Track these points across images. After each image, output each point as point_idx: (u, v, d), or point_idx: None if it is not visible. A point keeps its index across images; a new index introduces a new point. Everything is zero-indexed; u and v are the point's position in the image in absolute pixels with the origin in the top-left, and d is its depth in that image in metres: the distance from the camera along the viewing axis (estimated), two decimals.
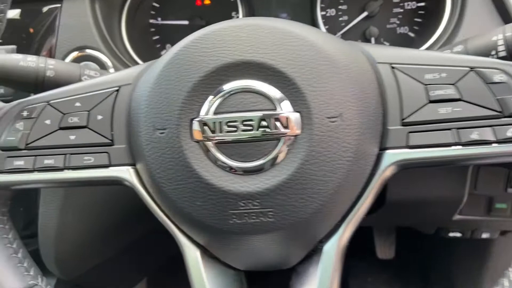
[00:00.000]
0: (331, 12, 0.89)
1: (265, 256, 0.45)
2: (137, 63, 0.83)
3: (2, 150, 0.45)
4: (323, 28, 0.85)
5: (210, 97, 0.40)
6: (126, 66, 0.78)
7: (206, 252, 0.45)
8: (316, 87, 0.39)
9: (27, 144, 0.45)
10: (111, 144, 0.45)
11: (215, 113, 0.40)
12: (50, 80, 0.60)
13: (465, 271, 1.15)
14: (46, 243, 0.77)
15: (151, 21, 0.92)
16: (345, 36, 0.88)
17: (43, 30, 0.75)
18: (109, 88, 0.47)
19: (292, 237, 0.42)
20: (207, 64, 0.40)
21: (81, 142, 0.45)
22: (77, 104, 0.46)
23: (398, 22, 0.87)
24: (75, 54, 0.75)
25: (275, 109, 0.40)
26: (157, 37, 0.93)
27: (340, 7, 0.88)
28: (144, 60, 0.86)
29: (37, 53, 0.76)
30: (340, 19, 0.89)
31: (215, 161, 0.40)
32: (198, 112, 0.41)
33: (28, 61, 0.59)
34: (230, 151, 0.40)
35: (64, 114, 0.45)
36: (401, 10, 0.87)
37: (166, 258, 1.18)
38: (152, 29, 0.92)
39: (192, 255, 0.44)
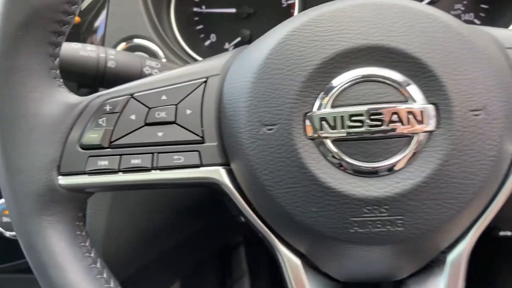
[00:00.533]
0: None
1: (374, 267, 0.40)
2: (187, 53, 0.77)
3: (84, 149, 0.40)
4: None
5: (328, 88, 0.35)
6: (177, 56, 0.73)
7: (306, 261, 0.40)
8: (457, 75, 0.33)
9: (112, 142, 0.39)
10: (201, 141, 0.40)
11: (333, 106, 0.35)
12: (111, 71, 0.54)
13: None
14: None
15: (195, 9, 0.86)
16: None
17: (90, 18, 0.70)
18: (196, 80, 0.41)
19: (415, 248, 0.37)
20: (325, 50, 0.35)
21: (170, 139, 0.40)
22: (163, 97, 0.40)
23: (463, 8, 0.82)
24: (123, 44, 0.70)
25: (406, 101, 0.34)
26: (201, 26, 0.87)
27: None
28: (193, 50, 0.80)
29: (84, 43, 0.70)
30: None
31: (334, 161, 0.35)
32: (313, 104, 0.35)
33: (88, 51, 0.53)
34: (353, 149, 0.35)
35: (150, 108, 0.40)
36: None
37: (198, 260, 1.14)
38: (196, 18, 0.87)
39: (293, 265, 0.39)
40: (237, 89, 0.38)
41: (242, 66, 0.40)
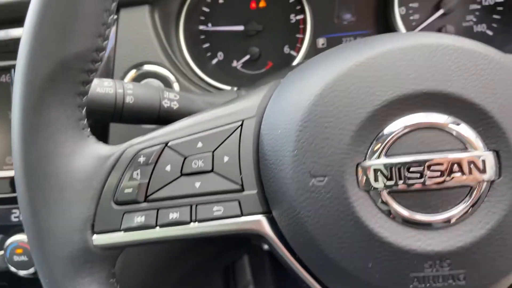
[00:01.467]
0: (401, 10, 0.81)
1: None
2: (198, 76, 0.75)
3: (118, 204, 0.37)
4: (402, 28, 0.77)
5: (381, 136, 0.33)
6: (188, 80, 0.70)
7: None
8: None
9: (147, 196, 0.37)
10: (241, 190, 0.38)
11: (388, 155, 0.33)
12: (129, 107, 0.52)
13: None
14: None
15: (201, 27, 0.84)
16: None
17: None
18: (231, 123, 0.39)
19: None
20: (377, 97, 0.33)
21: (208, 189, 0.37)
22: (199, 144, 0.38)
23: (475, 19, 0.80)
24: (134, 71, 0.67)
25: (466, 149, 0.33)
26: (207, 44, 0.84)
27: (411, 4, 0.81)
28: (201, 70, 0.78)
29: None
30: (411, 18, 0.81)
31: (391, 214, 0.33)
32: (366, 154, 0.33)
33: (106, 87, 0.51)
34: (411, 201, 0.33)
35: (186, 157, 0.38)
36: (478, 7, 0.80)
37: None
38: (202, 36, 0.84)
39: None
40: (280, 136, 0.36)
41: (282, 109, 0.37)
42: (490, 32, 0.80)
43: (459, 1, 0.78)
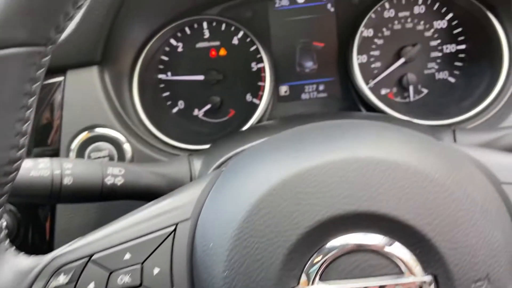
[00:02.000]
0: (362, 58, 0.80)
1: None
2: (154, 136, 0.72)
3: None
4: (359, 77, 0.75)
5: (314, 259, 0.31)
6: (141, 140, 0.67)
7: None
8: (455, 242, 0.30)
9: None
10: None
11: (323, 279, 0.31)
12: (68, 188, 0.49)
13: None
14: None
15: (160, 76, 0.81)
16: (379, 84, 0.80)
17: (43, 109, 0.64)
18: (164, 229, 0.37)
19: None
20: (308, 217, 0.31)
21: None
22: (127, 256, 0.35)
23: (436, 67, 0.80)
24: (83, 135, 0.64)
25: (402, 274, 0.31)
26: (167, 93, 0.82)
27: (372, 53, 0.80)
28: (158, 126, 0.75)
29: (37, 137, 0.64)
30: (372, 66, 0.80)
31: None
32: (299, 279, 0.31)
33: (41, 169, 0.48)
34: None
35: (112, 271, 0.35)
36: (440, 54, 0.79)
37: None
38: (162, 85, 0.82)
39: None
40: (212, 251, 0.34)
41: (216, 217, 0.35)
42: (452, 79, 0.80)
43: (419, 49, 0.77)
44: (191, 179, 0.57)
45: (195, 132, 0.81)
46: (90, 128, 0.64)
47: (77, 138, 0.63)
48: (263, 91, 0.80)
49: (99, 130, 0.65)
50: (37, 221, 0.63)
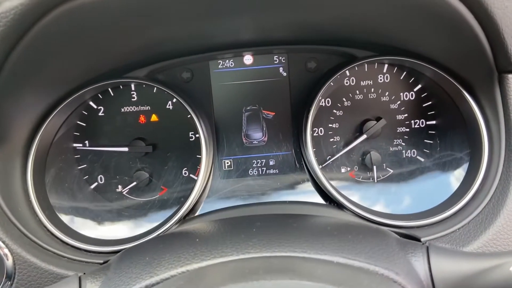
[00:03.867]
0: (320, 131, 0.68)
1: None
2: (51, 234, 0.56)
3: None
4: (311, 154, 0.63)
5: None
6: (30, 245, 0.51)
7: None
8: None
9: None
10: None
11: None
12: None
13: None
14: None
15: (75, 145, 0.66)
16: (339, 161, 0.68)
17: None
18: None
19: None
20: None
21: None
22: None
23: (403, 144, 0.69)
24: None
25: None
26: (83, 166, 0.67)
27: (331, 125, 0.68)
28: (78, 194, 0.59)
29: None
30: (331, 139, 0.68)
31: None
32: None
33: None
34: None
35: None
36: (407, 130, 0.69)
37: None
38: (77, 156, 0.67)
39: None
40: None
41: None
42: (421, 158, 0.69)
43: (384, 125, 0.66)
44: None
45: (116, 214, 0.66)
46: None
47: None
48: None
49: None
50: None
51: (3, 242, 0.49)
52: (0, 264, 0.48)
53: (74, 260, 0.53)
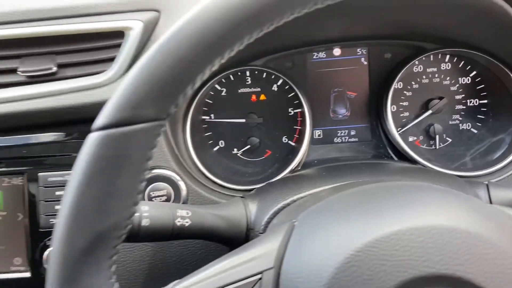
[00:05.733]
0: (392, 108, 0.87)
1: None
2: (203, 174, 0.77)
3: None
4: (392, 125, 0.82)
5: None
6: (194, 180, 0.73)
7: None
8: None
9: None
10: None
11: None
12: (145, 229, 0.54)
13: None
14: None
15: (203, 117, 0.88)
16: (407, 132, 0.87)
17: None
18: (252, 276, 0.42)
19: None
20: (392, 277, 0.36)
21: None
22: None
23: (460, 118, 0.87)
24: None
25: None
26: (209, 133, 0.88)
27: (401, 103, 0.87)
28: (204, 165, 0.80)
29: None
30: (401, 115, 0.87)
31: None
32: None
33: None
34: None
35: None
36: (464, 107, 0.86)
37: None
38: (204, 126, 0.88)
39: None
40: None
41: (302, 269, 0.40)
42: (474, 130, 0.87)
43: (445, 103, 0.84)
44: (247, 222, 0.62)
45: (233, 169, 0.87)
46: (150, 169, 0.69)
47: None
48: (298, 134, 0.87)
49: (158, 171, 0.70)
50: None
51: (180, 177, 0.70)
52: (177, 192, 0.70)
53: (221, 193, 0.75)
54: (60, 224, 0.38)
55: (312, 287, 0.38)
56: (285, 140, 0.88)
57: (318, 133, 0.90)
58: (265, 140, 0.88)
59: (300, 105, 0.85)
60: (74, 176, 0.38)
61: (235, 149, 0.88)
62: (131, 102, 0.37)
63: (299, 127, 0.87)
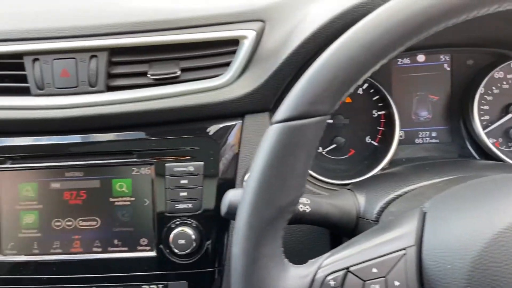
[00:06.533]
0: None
1: None
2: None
3: None
4: (479, 126, 0.88)
5: None
6: None
7: None
8: None
9: None
10: None
11: None
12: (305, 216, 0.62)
13: None
14: None
15: None
16: (487, 134, 0.92)
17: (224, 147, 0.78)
18: (398, 251, 0.48)
19: None
20: None
21: None
22: (374, 269, 0.47)
23: None
24: None
25: None
26: None
27: (482, 107, 0.92)
28: None
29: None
30: (482, 118, 0.92)
31: None
32: None
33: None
34: None
35: (365, 281, 0.47)
36: None
37: None
38: None
39: None
40: (450, 270, 0.44)
41: (447, 245, 0.45)
42: None
43: None
44: (357, 211, 0.69)
45: (321, 166, 0.94)
46: None
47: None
48: (381, 134, 0.93)
49: None
50: (217, 235, 0.77)
51: None
52: None
53: (320, 187, 0.82)
54: (247, 200, 0.46)
55: (462, 259, 0.44)
56: (368, 140, 0.95)
57: (400, 134, 0.96)
58: (350, 140, 0.95)
59: (384, 108, 0.91)
60: (259, 160, 0.46)
61: (320, 148, 0.96)
62: (309, 99, 0.45)
63: (382, 128, 0.93)
